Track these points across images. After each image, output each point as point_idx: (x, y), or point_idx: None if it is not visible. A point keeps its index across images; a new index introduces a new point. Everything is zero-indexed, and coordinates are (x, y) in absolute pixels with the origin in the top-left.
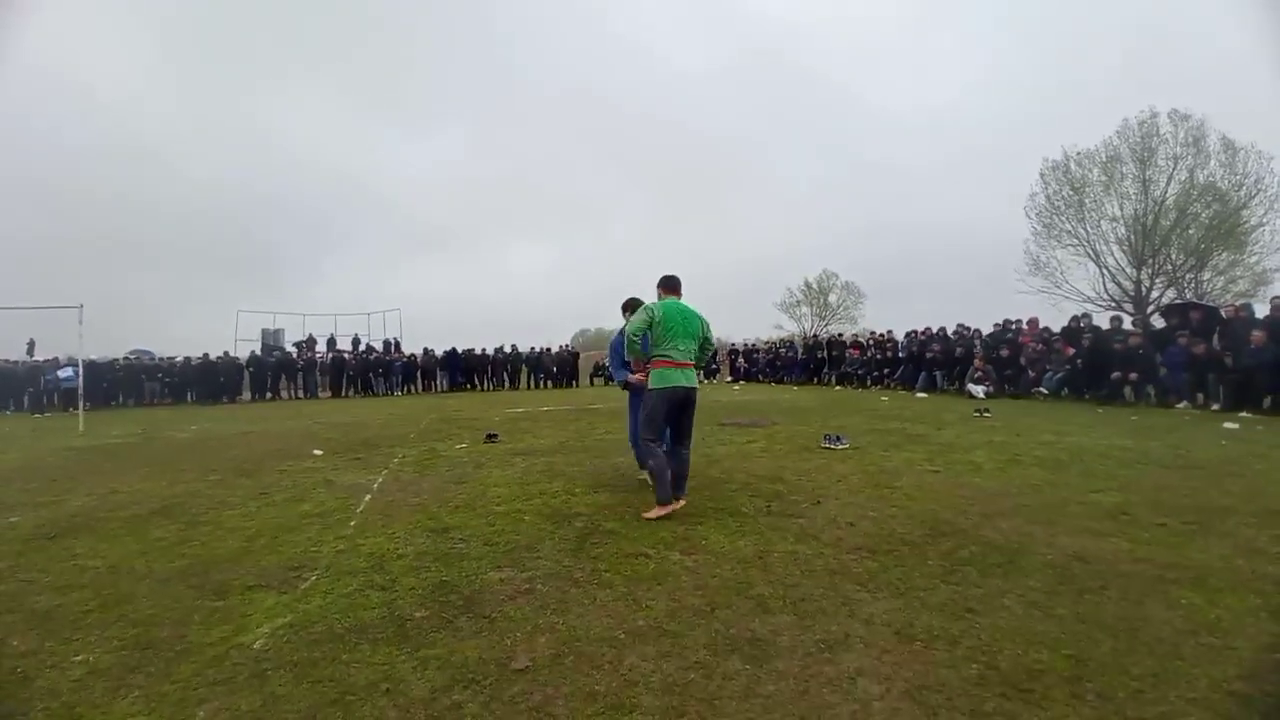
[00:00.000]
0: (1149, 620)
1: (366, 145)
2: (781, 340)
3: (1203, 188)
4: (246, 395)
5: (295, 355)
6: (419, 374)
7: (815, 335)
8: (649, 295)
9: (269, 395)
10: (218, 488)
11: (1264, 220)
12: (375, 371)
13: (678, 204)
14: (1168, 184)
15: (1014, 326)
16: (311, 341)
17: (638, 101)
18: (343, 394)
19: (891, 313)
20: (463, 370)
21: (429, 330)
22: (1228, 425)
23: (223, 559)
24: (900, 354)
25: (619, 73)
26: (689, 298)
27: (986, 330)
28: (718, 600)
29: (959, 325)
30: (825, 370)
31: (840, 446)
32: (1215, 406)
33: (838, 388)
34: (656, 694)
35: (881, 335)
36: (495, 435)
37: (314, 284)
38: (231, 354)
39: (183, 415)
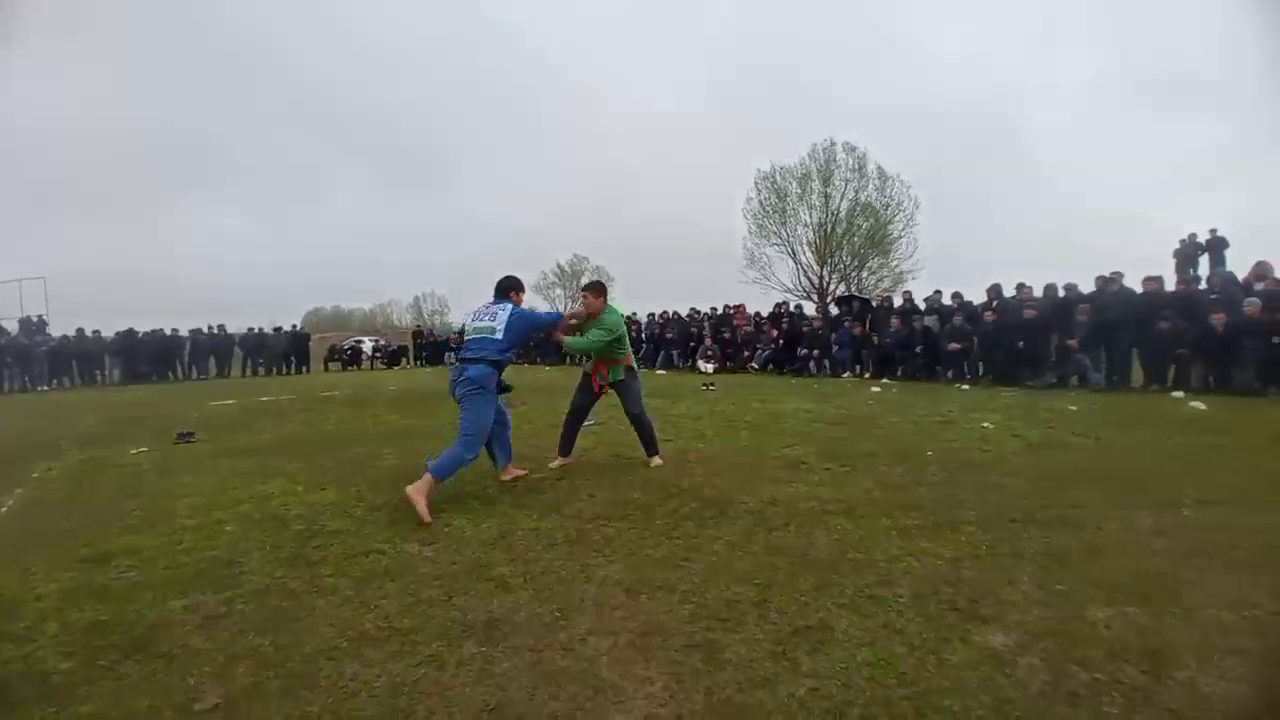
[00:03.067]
0: (815, 545)
1: None
2: None
3: (863, 205)
4: None
5: None
6: (74, 362)
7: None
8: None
9: None
10: None
11: (902, 234)
12: (5, 360)
13: (395, 179)
14: (841, 200)
15: (732, 311)
16: None
17: (337, 65)
18: None
19: (634, 297)
20: (146, 356)
21: (93, 307)
22: (874, 389)
23: None
24: (643, 335)
25: (316, 25)
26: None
27: (711, 314)
28: (456, 587)
29: (691, 309)
30: None
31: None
32: (867, 375)
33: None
34: (381, 699)
35: (626, 317)
36: (190, 434)
37: None
38: None
39: None
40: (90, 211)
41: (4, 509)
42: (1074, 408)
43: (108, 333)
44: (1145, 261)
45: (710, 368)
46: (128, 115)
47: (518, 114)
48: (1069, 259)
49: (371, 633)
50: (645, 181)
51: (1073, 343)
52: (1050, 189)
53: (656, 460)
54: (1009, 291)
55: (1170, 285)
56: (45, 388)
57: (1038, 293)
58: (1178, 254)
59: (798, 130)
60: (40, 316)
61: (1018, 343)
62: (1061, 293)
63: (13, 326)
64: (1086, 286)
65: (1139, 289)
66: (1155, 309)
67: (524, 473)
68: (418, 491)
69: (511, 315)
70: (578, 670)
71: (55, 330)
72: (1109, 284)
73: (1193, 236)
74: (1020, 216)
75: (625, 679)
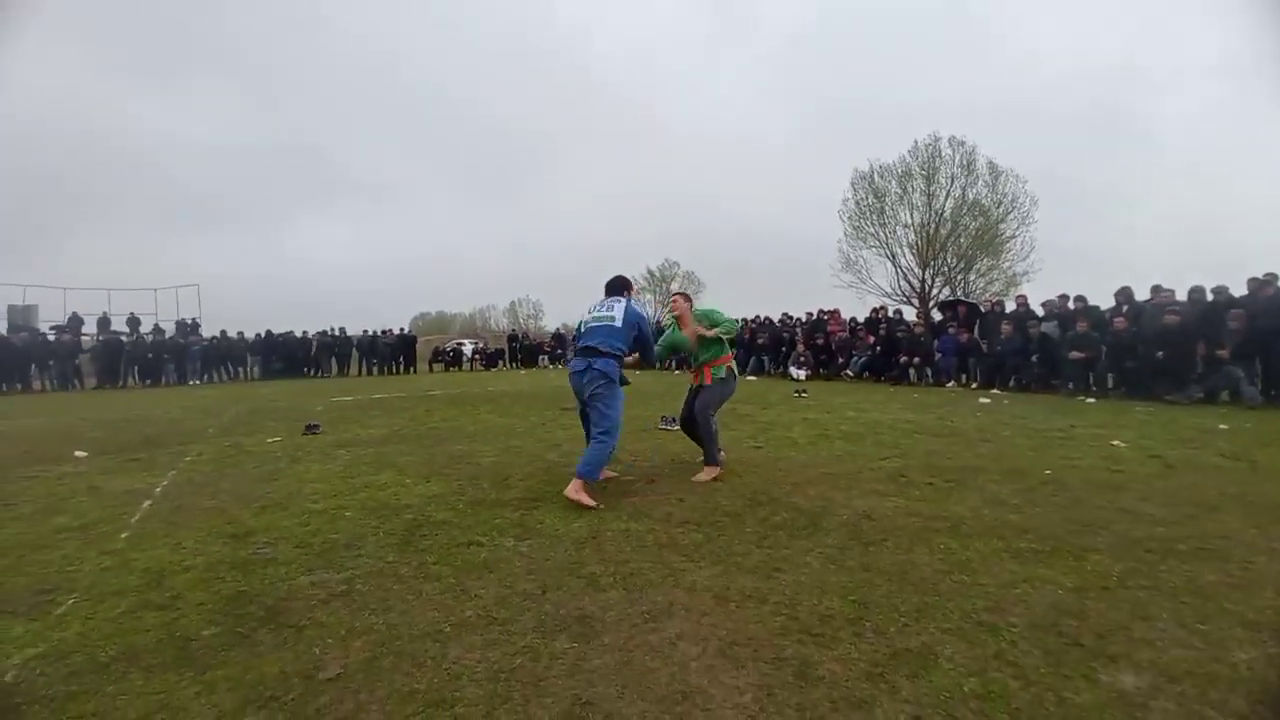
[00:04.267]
0: (916, 564)
1: (120, 106)
2: None
3: (971, 203)
4: None
5: (55, 338)
6: (223, 360)
7: (658, 321)
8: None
9: (18, 387)
10: None
11: (1016, 233)
12: (164, 357)
13: (482, 188)
14: (946, 198)
15: (826, 316)
16: (77, 321)
17: (434, 83)
18: (120, 384)
19: (725, 302)
20: (280, 355)
21: (238, 311)
22: (982, 400)
23: None
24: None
25: (418, 52)
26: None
27: (805, 320)
28: (549, 582)
29: (783, 314)
30: None
31: (674, 428)
32: (974, 385)
33: (677, 372)
34: (481, 683)
35: None
36: (316, 426)
37: (74, 257)
38: None
39: None
40: (231, 225)
41: (160, 488)
42: (1224, 426)
43: (249, 334)
44: None
45: (803, 374)
46: (252, 136)
47: (611, 125)
48: (1209, 259)
49: (471, 620)
50: (741, 188)
51: (1223, 353)
52: (1184, 183)
53: (706, 473)
54: (1142, 295)
55: None
56: (197, 382)
57: (1180, 296)
58: None
59: (897, 131)
60: (194, 319)
61: (1156, 352)
62: (1209, 296)
63: (170, 328)
64: (1235, 289)
65: None
66: None
67: (614, 474)
68: (574, 491)
69: (629, 309)
70: (667, 674)
71: (206, 332)
72: (1263, 287)
73: None
74: (1147, 208)
75: (714, 686)
